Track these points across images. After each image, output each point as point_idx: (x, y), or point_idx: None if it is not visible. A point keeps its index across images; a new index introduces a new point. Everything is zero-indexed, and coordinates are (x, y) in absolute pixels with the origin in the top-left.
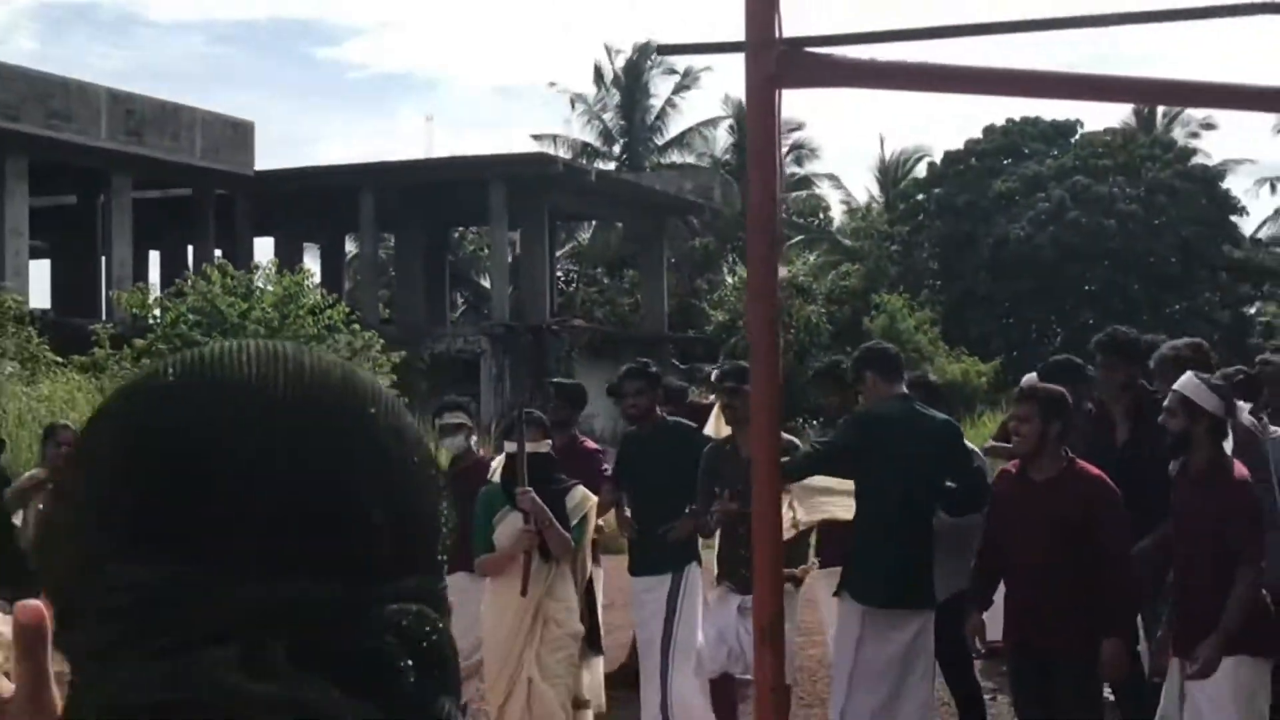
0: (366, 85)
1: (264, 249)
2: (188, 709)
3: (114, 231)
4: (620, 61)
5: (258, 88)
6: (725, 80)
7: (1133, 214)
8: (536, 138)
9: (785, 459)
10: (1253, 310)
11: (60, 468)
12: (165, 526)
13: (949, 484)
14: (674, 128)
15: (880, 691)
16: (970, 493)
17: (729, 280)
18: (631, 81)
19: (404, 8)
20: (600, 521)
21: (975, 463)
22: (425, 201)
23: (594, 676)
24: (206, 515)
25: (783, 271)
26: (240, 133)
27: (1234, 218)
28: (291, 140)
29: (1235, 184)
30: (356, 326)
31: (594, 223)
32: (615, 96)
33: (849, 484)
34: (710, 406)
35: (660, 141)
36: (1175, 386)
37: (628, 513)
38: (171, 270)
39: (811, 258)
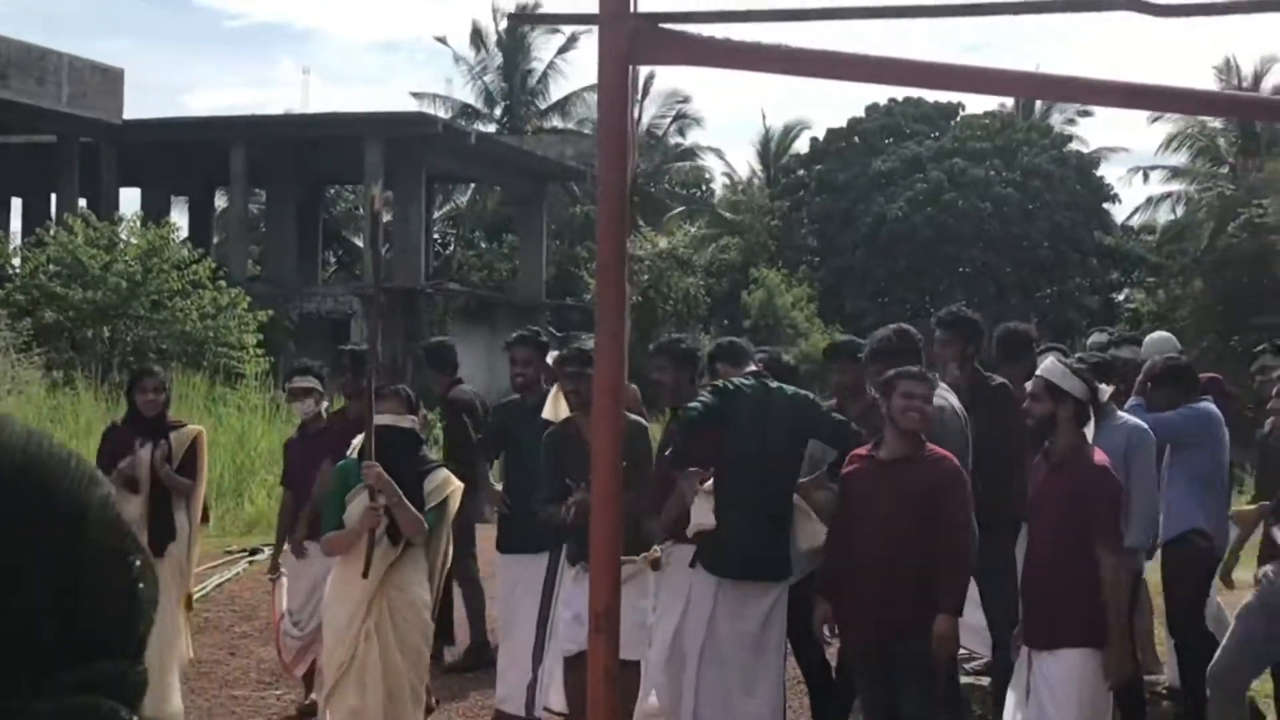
0: (243, 34)
1: (130, 200)
2: None
3: None
4: (504, 23)
5: (131, 33)
6: None
7: (1008, 198)
8: (417, 96)
9: (668, 452)
10: (1121, 296)
11: None
12: None
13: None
14: (556, 92)
15: (734, 667)
16: (840, 436)
17: None
18: (514, 44)
19: None
20: None
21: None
22: (299, 157)
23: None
24: None
25: (662, 242)
26: (109, 79)
27: (1107, 205)
28: (165, 89)
29: (1109, 171)
30: (223, 283)
31: (473, 185)
32: (498, 58)
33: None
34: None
35: (542, 106)
36: (1039, 371)
37: (498, 486)
38: (33, 219)
39: (692, 229)
